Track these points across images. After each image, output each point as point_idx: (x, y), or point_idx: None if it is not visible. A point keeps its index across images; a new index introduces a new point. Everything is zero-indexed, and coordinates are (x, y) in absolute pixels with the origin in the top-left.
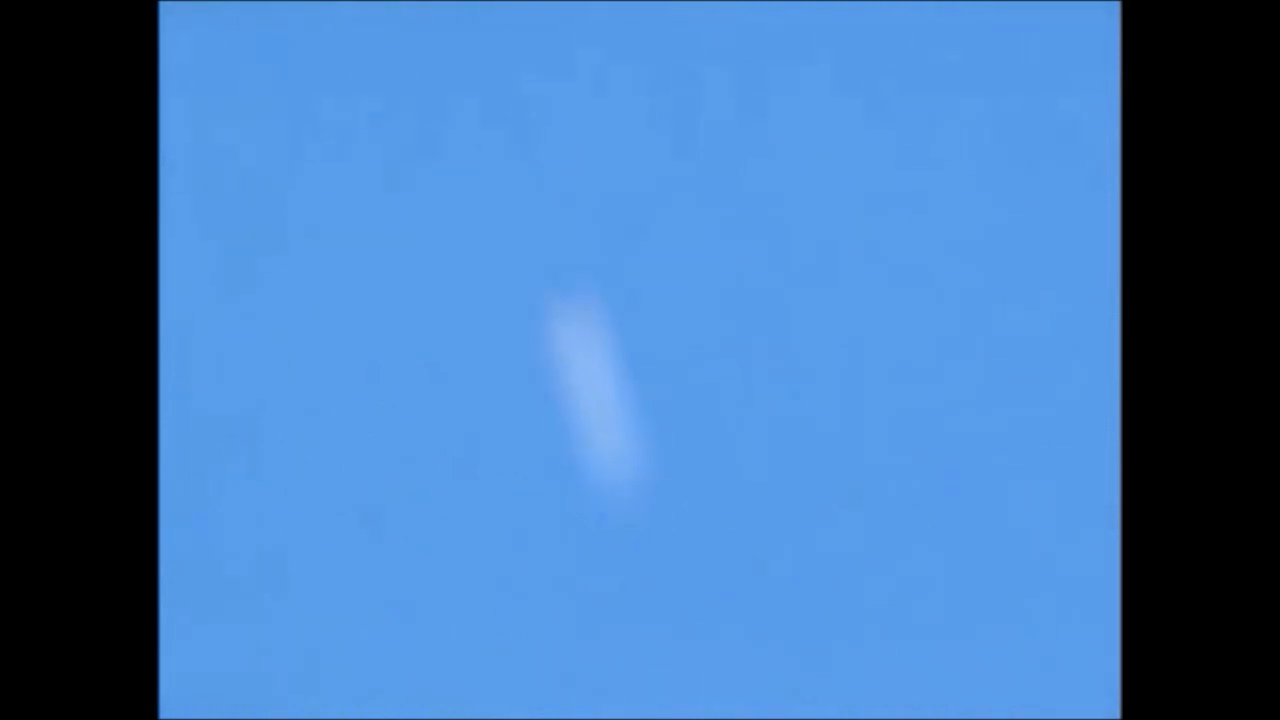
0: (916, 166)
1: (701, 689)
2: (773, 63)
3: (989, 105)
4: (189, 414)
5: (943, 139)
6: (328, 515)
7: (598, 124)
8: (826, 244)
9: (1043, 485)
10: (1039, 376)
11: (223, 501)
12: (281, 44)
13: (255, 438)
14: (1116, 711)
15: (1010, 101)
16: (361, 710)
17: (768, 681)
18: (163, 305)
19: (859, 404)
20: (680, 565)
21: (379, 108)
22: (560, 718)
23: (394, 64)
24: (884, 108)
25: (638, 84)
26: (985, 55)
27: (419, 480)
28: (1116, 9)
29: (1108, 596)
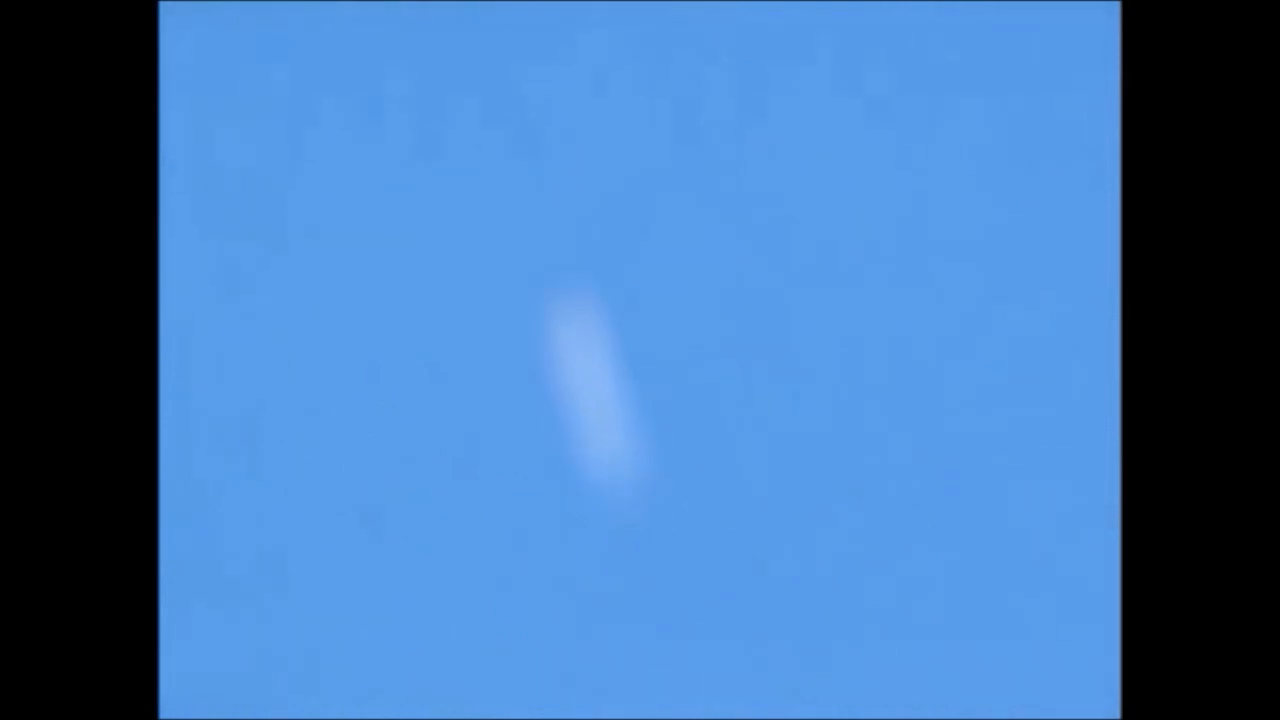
0: (916, 166)
1: (701, 689)
2: (773, 63)
3: (989, 105)
4: (189, 414)
5: (943, 139)
6: (328, 515)
7: (597, 123)
8: (826, 243)
9: (1043, 485)
10: (1039, 376)
11: (223, 501)
12: (281, 44)
13: (255, 438)
14: (1116, 711)
15: (1010, 101)
16: (361, 710)
17: (768, 681)
18: (163, 305)
19: (859, 404)
20: (680, 565)
21: (379, 107)
22: (560, 718)
23: (394, 64)
24: (884, 108)
25: (638, 83)
26: (985, 55)
27: (419, 480)
28: (1116, 9)
29: (1108, 596)
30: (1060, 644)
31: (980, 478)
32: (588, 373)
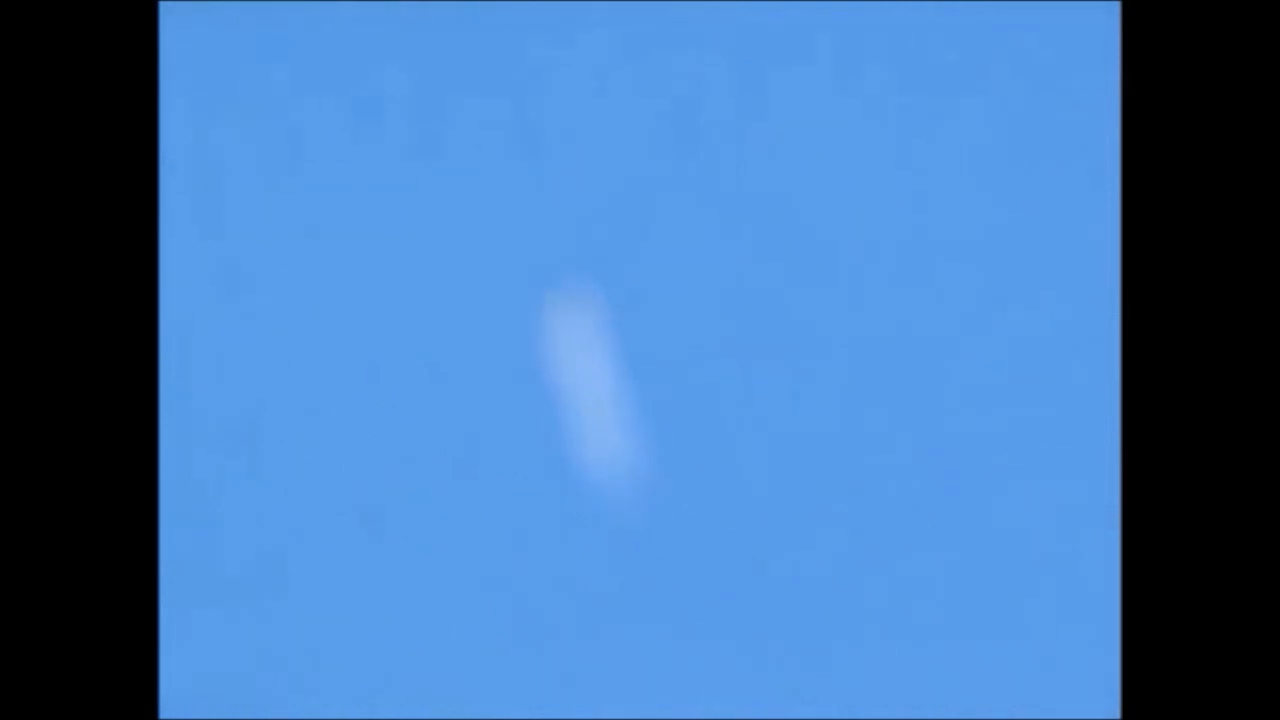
0: (916, 166)
1: (701, 689)
2: (773, 63)
3: (989, 105)
4: (189, 414)
5: (943, 139)
6: (328, 515)
7: (597, 122)
8: (826, 243)
9: (1043, 485)
10: (1039, 376)
11: (223, 501)
12: (281, 44)
13: (255, 438)
14: (1116, 711)
15: (1010, 101)
16: (361, 710)
17: (768, 681)
18: (163, 305)
19: (859, 403)
20: (679, 564)
21: (379, 107)
22: (560, 718)
23: (394, 64)
24: (884, 108)
25: (638, 83)
26: (985, 55)
27: (418, 480)
28: (1116, 9)
29: (1108, 596)
30: (1060, 644)
31: (980, 478)
32: (588, 372)
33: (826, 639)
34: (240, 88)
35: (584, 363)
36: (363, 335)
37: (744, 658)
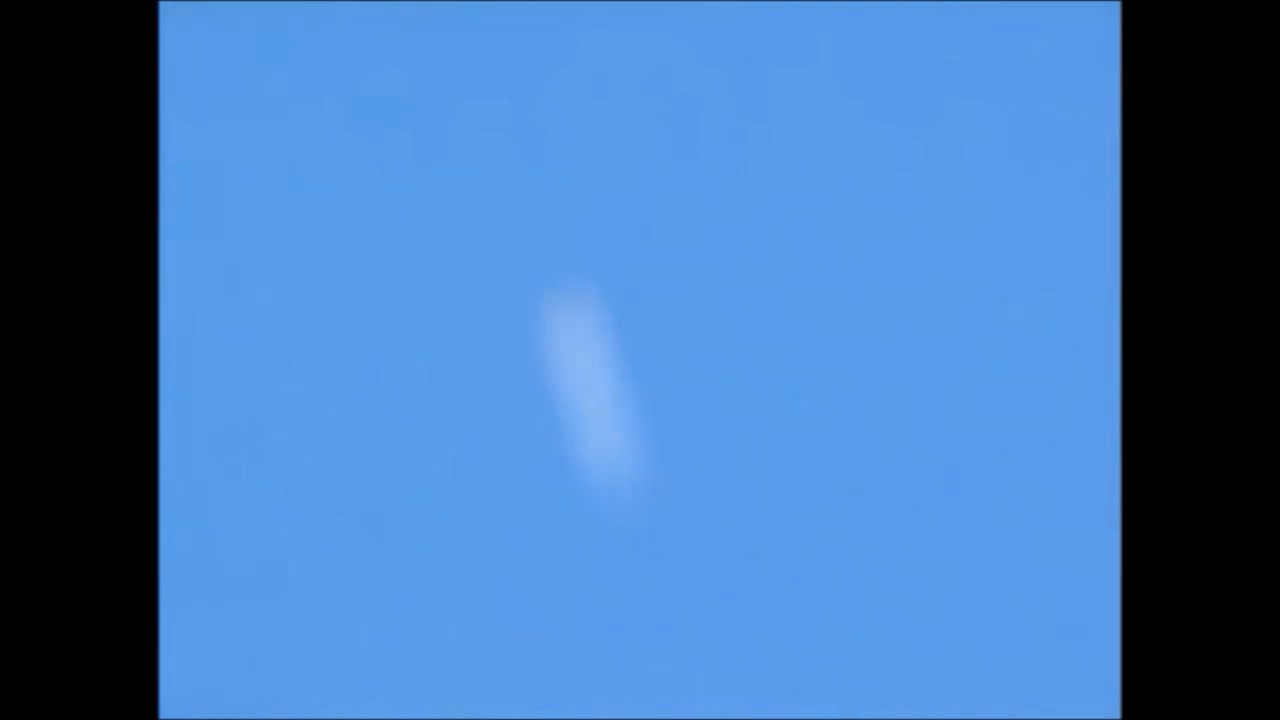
0: (916, 166)
1: (701, 689)
2: (773, 63)
3: (989, 105)
4: (189, 415)
5: (943, 139)
6: (328, 515)
7: (597, 122)
8: (826, 243)
9: (1043, 485)
10: (1039, 376)
11: (223, 502)
12: (281, 44)
13: (255, 438)
14: (1116, 711)
15: (1010, 101)
16: (361, 710)
17: (767, 681)
18: (163, 306)
19: (859, 404)
20: (679, 564)
21: (379, 108)
22: (559, 718)
23: (394, 64)
24: (884, 108)
25: (638, 83)
26: (985, 55)
27: (418, 480)
28: (1116, 9)
29: (1108, 596)
30: (1060, 644)
31: (980, 478)
32: (587, 373)
33: (826, 639)
34: (240, 88)
35: (584, 363)
36: (362, 336)
37: (744, 658)
